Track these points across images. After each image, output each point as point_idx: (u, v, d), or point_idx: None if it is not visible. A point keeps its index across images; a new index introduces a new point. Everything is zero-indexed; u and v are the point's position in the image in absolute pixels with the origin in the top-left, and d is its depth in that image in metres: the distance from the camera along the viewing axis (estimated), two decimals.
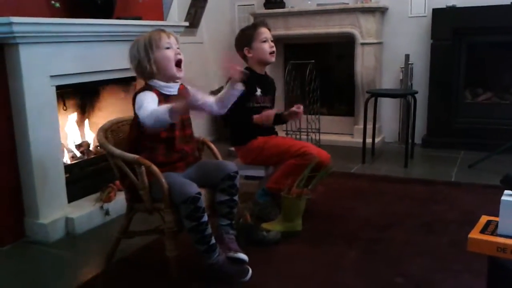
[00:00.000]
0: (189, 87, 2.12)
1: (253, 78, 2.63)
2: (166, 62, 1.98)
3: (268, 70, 2.85)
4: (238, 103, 2.49)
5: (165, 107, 1.78)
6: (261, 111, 2.65)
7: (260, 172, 2.68)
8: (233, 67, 2.04)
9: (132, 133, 2.06)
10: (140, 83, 2.22)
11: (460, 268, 2.01)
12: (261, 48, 2.62)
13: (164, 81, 2.01)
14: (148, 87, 1.99)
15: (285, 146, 2.54)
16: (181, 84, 2.09)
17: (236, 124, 2.61)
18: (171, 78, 2.03)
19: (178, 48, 2.03)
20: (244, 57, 2.68)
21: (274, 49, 2.65)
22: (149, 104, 1.87)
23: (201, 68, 4.44)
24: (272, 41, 2.66)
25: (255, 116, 2.51)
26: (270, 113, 2.52)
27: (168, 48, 1.99)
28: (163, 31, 2.03)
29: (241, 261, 1.99)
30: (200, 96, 2.11)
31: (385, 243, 2.29)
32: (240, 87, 2.09)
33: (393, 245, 2.27)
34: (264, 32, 2.64)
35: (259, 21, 2.77)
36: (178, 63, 2.01)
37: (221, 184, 2.02)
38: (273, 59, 2.67)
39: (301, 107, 2.60)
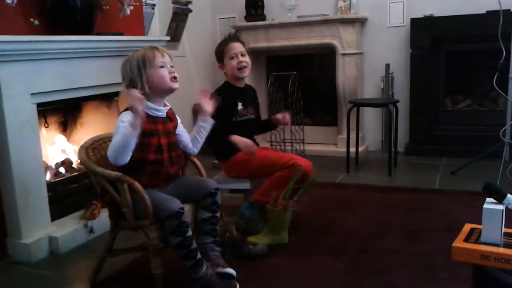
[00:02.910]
0: (177, 117, 2.13)
1: (232, 93, 2.65)
2: (160, 81, 1.96)
3: (250, 82, 2.86)
4: (221, 119, 2.51)
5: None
6: (245, 124, 2.66)
7: (245, 185, 2.68)
8: (205, 100, 2.13)
9: None
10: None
11: (446, 276, 2.02)
12: (230, 64, 2.62)
13: (154, 103, 1.98)
14: None
15: (273, 159, 2.54)
16: (170, 108, 2.08)
17: (219, 139, 2.60)
18: (167, 93, 2.02)
19: (172, 67, 2.01)
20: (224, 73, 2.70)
21: (243, 64, 2.61)
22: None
23: (184, 81, 4.42)
24: (243, 55, 2.63)
25: (235, 138, 2.51)
26: (250, 144, 2.53)
27: (162, 67, 1.97)
28: (157, 48, 2.00)
29: (229, 276, 1.98)
30: (181, 129, 2.13)
31: (372, 253, 2.30)
32: (210, 120, 2.16)
33: (379, 255, 2.27)
34: (233, 48, 2.62)
35: (229, 36, 2.75)
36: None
37: (202, 202, 2.02)
38: (243, 74, 2.64)
39: (287, 116, 2.70)
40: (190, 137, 2.17)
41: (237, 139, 2.51)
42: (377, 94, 4.49)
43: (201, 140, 2.18)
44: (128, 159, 1.84)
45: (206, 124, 2.17)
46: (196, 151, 2.20)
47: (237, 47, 2.64)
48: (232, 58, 2.61)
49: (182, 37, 4.28)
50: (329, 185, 3.45)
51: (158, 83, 1.96)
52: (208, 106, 2.15)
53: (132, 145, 1.82)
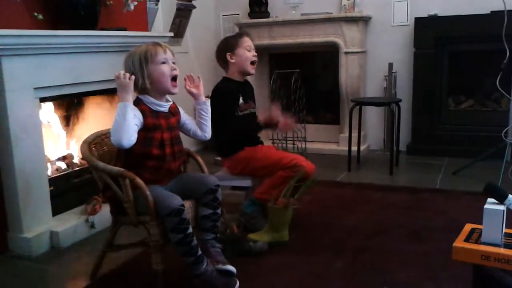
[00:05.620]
0: (180, 108, 2.13)
1: (233, 88, 2.64)
2: (160, 78, 1.96)
3: (253, 79, 2.86)
4: (224, 114, 2.52)
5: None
6: (248, 117, 2.66)
7: (246, 182, 2.67)
8: (191, 86, 2.14)
9: (120, 150, 1.98)
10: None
11: (447, 276, 2.02)
12: (244, 55, 2.61)
13: (156, 98, 1.99)
14: (137, 101, 1.96)
15: (275, 158, 2.54)
16: (173, 102, 2.08)
17: (223, 135, 2.60)
18: (165, 93, 2.02)
19: (174, 63, 2.01)
20: (224, 66, 2.68)
21: (256, 58, 2.65)
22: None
23: None
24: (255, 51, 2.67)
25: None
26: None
27: (163, 63, 1.97)
28: (160, 45, 2.00)
29: (230, 273, 1.99)
30: (186, 118, 2.14)
31: (372, 252, 2.30)
32: (203, 98, 2.15)
33: (379, 254, 2.27)
34: (249, 41, 2.65)
35: (243, 31, 2.77)
36: (174, 79, 2.00)
37: (203, 198, 2.02)
38: (252, 70, 2.66)
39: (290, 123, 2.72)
40: (196, 123, 2.18)
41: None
42: (379, 93, 4.48)
43: (206, 122, 2.17)
44: (132, 139, 1.83)
45: (201, 106, 2.16)
46: (207, 135, 2.20)
47: (251, 42, 2.67)
48: (248, 50, 2.62)
49: (185, 33, 4.28)
50: (330, 183, 3.45)
51: (159, 79, 1.97)
52: (193, 89, 2.14)
53: (130, 120, 1.81)
